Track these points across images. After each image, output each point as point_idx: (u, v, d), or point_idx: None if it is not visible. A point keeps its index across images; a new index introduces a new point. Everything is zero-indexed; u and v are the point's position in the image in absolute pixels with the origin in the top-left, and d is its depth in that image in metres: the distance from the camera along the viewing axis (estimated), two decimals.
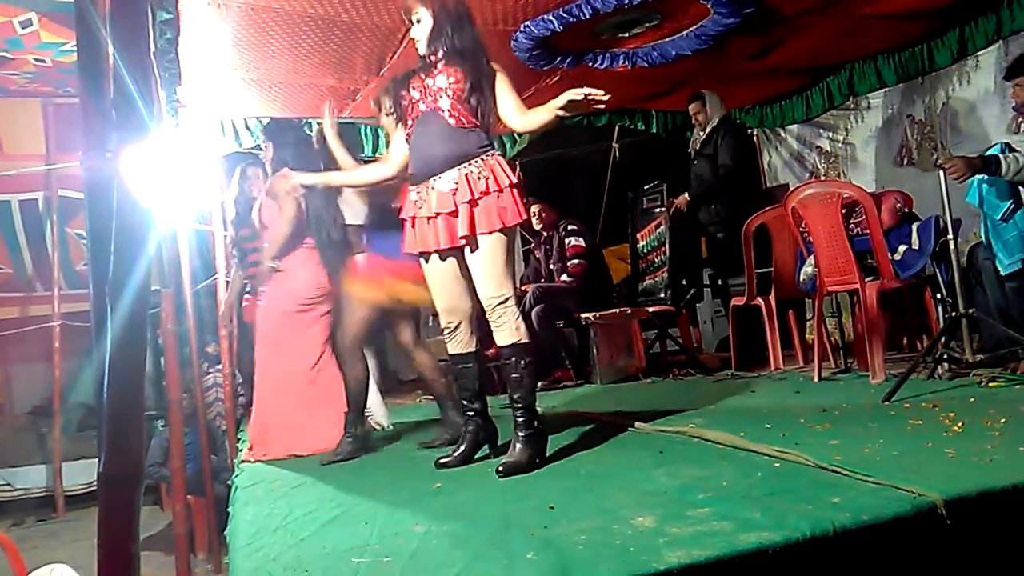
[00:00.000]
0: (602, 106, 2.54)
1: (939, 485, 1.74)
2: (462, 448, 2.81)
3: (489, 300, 2.67)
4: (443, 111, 2.67)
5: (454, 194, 2.63)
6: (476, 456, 2.81)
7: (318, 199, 3.55)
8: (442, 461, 2.78)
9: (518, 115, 2.72)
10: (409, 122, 2.77)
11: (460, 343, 2.83)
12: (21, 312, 6.96)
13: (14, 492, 6.70)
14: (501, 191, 2.64)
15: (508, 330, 2.68)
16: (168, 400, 4.40)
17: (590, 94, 2.50)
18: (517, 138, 6.28)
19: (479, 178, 2.63)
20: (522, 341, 2.69)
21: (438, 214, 2.67)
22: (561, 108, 2.57)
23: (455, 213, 2.64)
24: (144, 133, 1.41)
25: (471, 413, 2.84)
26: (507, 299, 2.66)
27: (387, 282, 3.27)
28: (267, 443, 3.62)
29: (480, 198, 2.62)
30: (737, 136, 5.60)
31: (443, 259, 2.75)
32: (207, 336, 5.99)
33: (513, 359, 2.68)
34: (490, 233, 2.63)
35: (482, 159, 2.66)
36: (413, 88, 2.75)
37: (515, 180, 2.70)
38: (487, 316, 2.71)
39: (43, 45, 5.33)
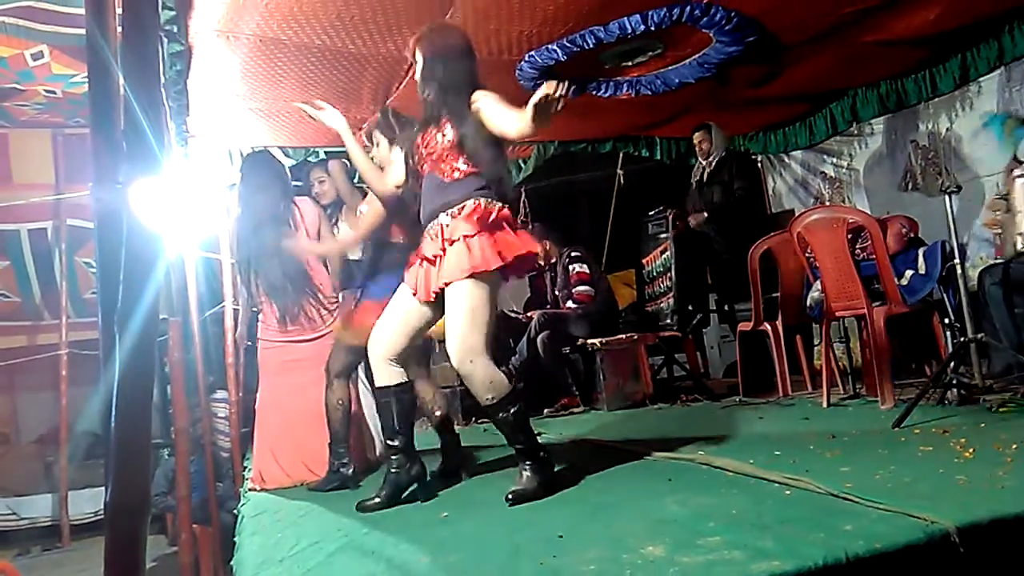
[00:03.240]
0: (560, 104, 2.34)
1: (952, 512, 1.73)
2: (384, 490, 2.74)
3: (452, 354, 2.54)
4: (439, 171, 2.67)
5: (432, 241, 2.63)
6: (403, 497, 2.76)
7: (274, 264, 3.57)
8: (363, 504, 2.71)
9: (513, 125, 2.54)
10: (420, 175, 2.77)
11: (377, 377, 2.75)
12: (29, 341, 6.99)
13: (20, 521, 6.68)
14: (470, 237, 2.53)
15: (480, 388, 2.54)
16: (175, 428, 4.40)
17: (547, 95, 2.30)
18: (523, 165, 6.32)
19: (453, 225, 2.58)
20: (499, 397, 2.54)
21: (423, 259, 2.66)
22: (535, 112, 2.38)
23: (432, 261, 2.62)
24: (154, 165, 1.43)
25: (393, 450, 2.77)
26: (470, 355, 2.50)
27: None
28: (273, 471, 3.61)
29: (451, 245, 2.55)
30: (747, 163, 5.65)
31: (410, 299, 2.71)
32: (214, 364, 6.00)
33: (500, 415, 2.58)
34: (461, 281, 2.52)
35: (463, 205, 2.60)
36: (422, 144, 2.74)
37: (490, 225, 2.57)
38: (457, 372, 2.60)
39: (54, 77, 5.42)
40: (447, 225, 2.60)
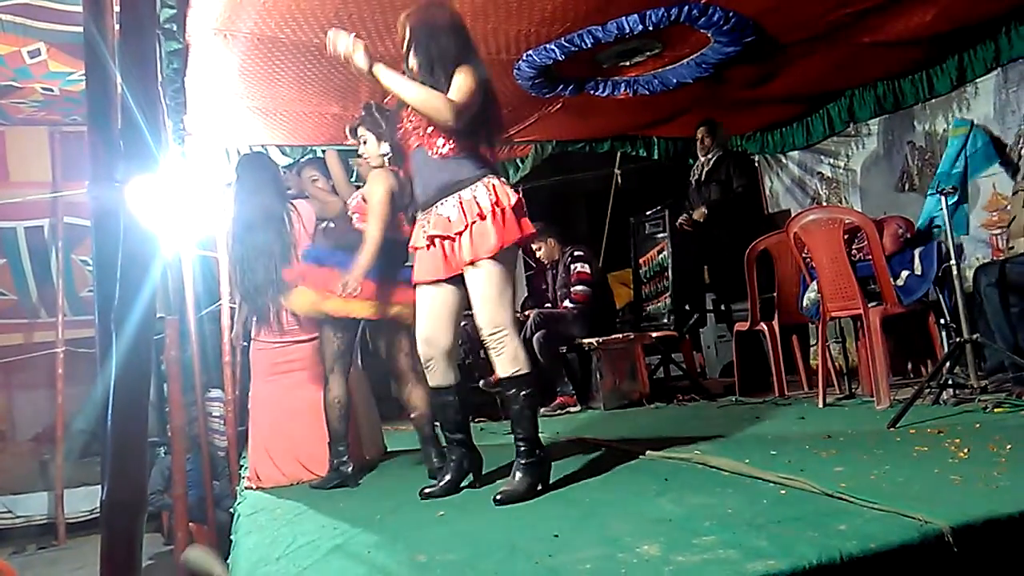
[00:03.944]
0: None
1: (946, 512, 1.73)
2: (447, 477, 2.81)
3: (484, 328, 2.63)
4: (431, 145, 2.68)
5: (450, 220, 2.64)
6: (462, 485, 2.83)
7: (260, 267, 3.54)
8: (427, 491, 2.77)
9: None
10: (408, 152, 2.79)
11: (437, 376, 2.79)
12: (25, 338, 6.96)
13: (15, 519, 6.65)
14: (495, 214, 2.59)
15: (506, 359, 2.62)
16: (171, 427, 4.39)
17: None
18: (520, 164, 6.32)
19: (474, 203, 2.61)
20: (521, 372, 2.63)
21: (433, 239, 2.68)
22: None
23: (451, 239, 2.64)
24: (151, 164, 1.43)
25: (455, 443, 2.85)
26: (502, 327, 2.60)
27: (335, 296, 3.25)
28: (269, 470, 3.61)
29: (474, 223, 2.60)
30: (745, 162, 5.67)
31: (436, 286, 2.74)
32: (211, 362, 5.99)
33: (513, 391, 2.63)
34: (487, 259, 2.59)
35: (479, 183, 2.64)
36: (406, 118, 2.76)
37: (510, 202, 2.64)
38: (485, 345, 2.67)
39: (51, 74, 5.40)
40: (466, 200, 2.62)
